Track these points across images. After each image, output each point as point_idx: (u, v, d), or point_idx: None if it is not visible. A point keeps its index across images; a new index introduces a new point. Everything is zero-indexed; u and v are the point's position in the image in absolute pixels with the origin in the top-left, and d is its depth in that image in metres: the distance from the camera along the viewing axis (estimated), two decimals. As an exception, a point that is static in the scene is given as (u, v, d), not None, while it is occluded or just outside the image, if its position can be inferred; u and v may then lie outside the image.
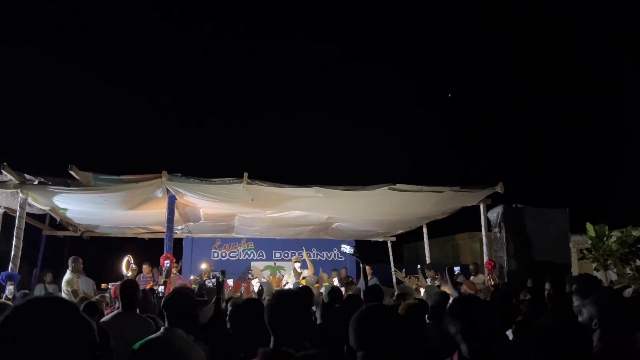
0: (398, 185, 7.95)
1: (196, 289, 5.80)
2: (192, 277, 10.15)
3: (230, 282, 7.11)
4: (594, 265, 8.47)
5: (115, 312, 3.81)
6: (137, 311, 3.80)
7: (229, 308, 2.72)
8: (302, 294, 2.98)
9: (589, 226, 8.72)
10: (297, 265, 9.11)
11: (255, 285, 6.70)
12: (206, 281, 5.61)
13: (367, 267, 10.40)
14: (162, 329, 2.77)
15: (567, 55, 25.60)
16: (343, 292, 6.99)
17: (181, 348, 2.56)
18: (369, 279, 10.12)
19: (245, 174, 7.51)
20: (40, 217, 10.07)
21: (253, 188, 7.73)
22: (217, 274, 5.30)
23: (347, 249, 5.01)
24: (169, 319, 2.78)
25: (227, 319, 2.74)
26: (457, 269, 5.18)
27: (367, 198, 8.31)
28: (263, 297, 7.35)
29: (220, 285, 4.47)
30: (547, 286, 7.87)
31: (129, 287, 3.81)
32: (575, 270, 9.04)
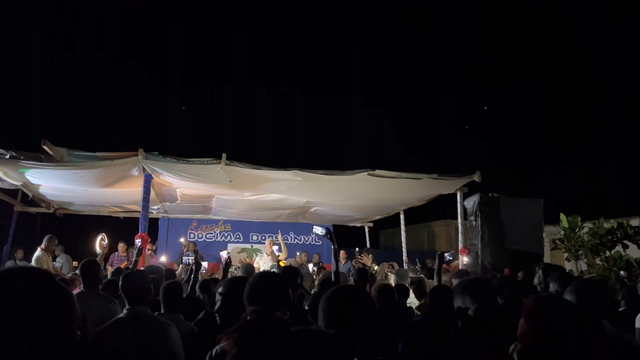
0: (377, 171, 7.94)
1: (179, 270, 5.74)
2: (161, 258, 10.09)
3: (205, 264, 7.04)
4: (566, 255, 8.66)
5: (78, 290, 3.76)
6: (100, 289, 3.76)
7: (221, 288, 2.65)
8: (283, 275, 2.96)
9: (562, 217, 8.90)
10: (275, 248, 9.09)
11: (224, 254, 6.67)
12: (183, 257, 5.52)
13: (342, 252, 10.47)
14: (124, 309, 2.71)
15: (545, 42, 25.88)
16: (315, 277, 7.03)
17: (150, 324, 2.52)
18: (342, 263, 10.19)
19: (224, 155, 7.41)
20: (12, 192, 9.83)
21: (231, 169, 7.64)
22: (189, 258, 5.23)
23: (319, 230, 4.93)
24: (128, 300, 2.73)
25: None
26: (447, 254, 5.20)
27: (346, 183, 8.30)
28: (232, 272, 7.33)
29: (199, 265, 4.42)
30: (520, 274, 8.01)
31: (90, 266, 3.75)
32: (547, 260, 9.23)
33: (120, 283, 2.81)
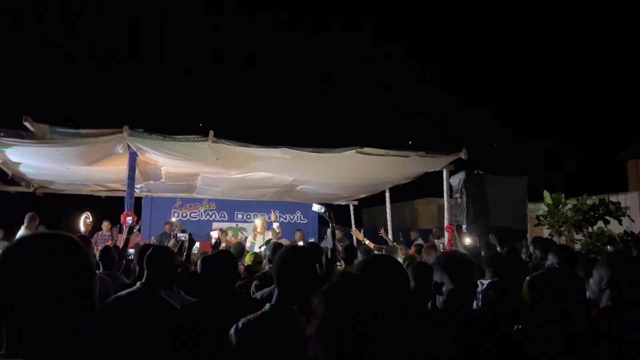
0: (365, 149, 7.91)
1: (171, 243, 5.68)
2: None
3: (197, 244, 6.99)
4: (549, 231, 8.82)
5: None
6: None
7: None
8: (312, 249, 2.93)
9: (546, 194, 9.04)
10: (276, 225, 9.10)
11: (214, 235, 6.60)
12: (178, 234, 5.46)
13: (338, 231, 10.50)
14: (138, 283, 2.68)
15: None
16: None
17: (160, 305, 2.49)
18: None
19: (211, 132, 7.29)
20: (-10, 171, 9.57)
21: (218, 147, 7.52)
22: (183, 235, 5.18)
23: (317, 207, 4.99)
24: (148, 275, 2.70)
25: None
26: (464, 226, 5.32)
27: (334, 161, 8.27)
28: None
29: (192, 242, 4.38)
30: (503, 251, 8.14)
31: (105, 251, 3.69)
32: (529, 236, 9.40)
33: (147, 254, 2.78)
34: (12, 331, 1.03)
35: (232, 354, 1.90)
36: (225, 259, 2.67)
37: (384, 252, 6.92)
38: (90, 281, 1.13)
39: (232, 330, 1.94)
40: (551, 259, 3.70)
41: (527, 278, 2.07)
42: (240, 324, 1.94)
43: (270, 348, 1.82)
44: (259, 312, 1.97)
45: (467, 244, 7.07)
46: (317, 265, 2.06)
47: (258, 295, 3.17)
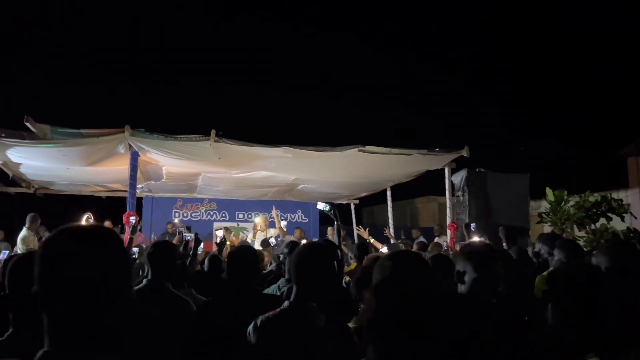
0: (368, 147, 7.90)
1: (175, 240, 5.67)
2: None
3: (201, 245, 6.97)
4: (552, 228, 8.80)
5: None
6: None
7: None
8: (329, 246, 2.92)
9: (548, 191, 9.02)
10: (283, 224, 9.11)
11: (218, 234, 6.57)
12: (184, 234, 5.45)
13: (329, 228, 10.49)
14: (145, 280, 2.66)
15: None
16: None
17: (170, 299, 2.47)
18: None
19: (213, 131, 7.26)
20: (-10, 172, 9.53)
21: (220, 146, 7.50)
22: (189, 235, 5.17)
23: (322, 205, 4.98)
24: (153, 270, 2.68)
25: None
26: (473, 225, 5.31)
27: (336, 159, 8.25)
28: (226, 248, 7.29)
29: (199, 242, 4.36)
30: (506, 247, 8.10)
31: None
32: (534, 234, 9.40)
33: (149, 251, 2.76)
34: (54, 325, 1.00)
35: (250, 351, 1.88)
36: (250, 254, 2.67)
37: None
38: (130, 274, 1.11)
39: (250, 328, 1.92)
40: (557, 255, 3.68)
41: (545, 273, 2.05)
42: (258, 321, 1.92)
43: (289, 345, 1.80)
44: (278, 310, 1.95)
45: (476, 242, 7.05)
46: (335, 262, 2.04)
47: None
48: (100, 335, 1.00)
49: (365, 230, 8.79)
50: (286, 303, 1.98)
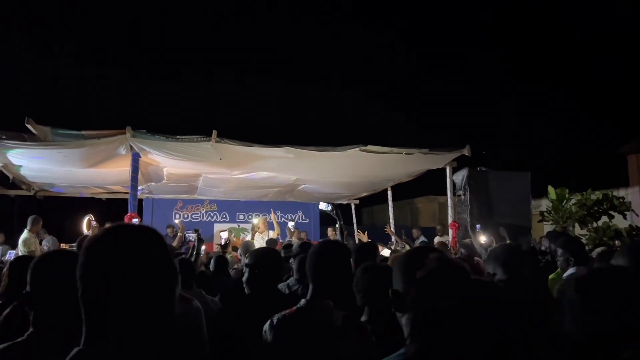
0: (369, 147, 7.88)
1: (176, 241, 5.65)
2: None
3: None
4: (554, 227, 8.81)
5: None
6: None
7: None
8: (345, 245, 2.92)
9: (550, 189, 9.03)
10: (291, 224, 9.08)
11: (223, 236, 6.57)
12: (186, 235, 5.43)
13: (329, 229, 10.46)
14: None
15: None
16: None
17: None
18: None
19: (214, 132, 7.24)
20: (-11, 174, 9.49)
21: (222, 147, 7.48)
22: (191, 235, 5.16)
23: (324, 205, 4.97)
24: None
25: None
26: (478, 226, 5.31)
27: (338, 159, 8.23)
28: (229, 251, 7.28)
29: (201, 240, 4.34)
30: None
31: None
32: (535, 233, 9.39)
33: None
34: (92, 323, 0.98)
35: (267, 349, 1.87)
36: (275, 253, 2.68)
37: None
38: (175, 280, 1.07)
39: (266, 326, 1.91)
40: (561, 254, 3.66)
41: (555, 273, 2.04)
42: (275, 320, 1.91)
43: (306, 344, 1.79)
44: (294, 308, 1.94)
45: (483, 242, 7.06)
46: (351, 260, 2.03)
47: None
48: (138, 336, 0.98)
49: (364, 233, 8.78)
50: (303, 301, 1.97)
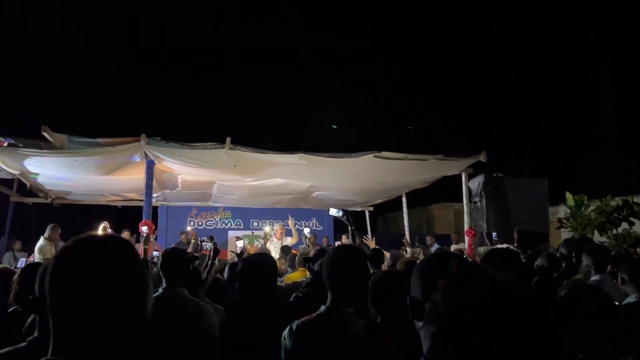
0: (383, 153, 7.82)
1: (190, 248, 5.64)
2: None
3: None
4: (572, 234, 8.64)
5: None
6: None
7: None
8: (362, 251, 2.89)
9: (568, 195, 8.87)
10: (307, 230, 9.05)
11: (239, 244, 6.58)
12: (203, 243, 5.43)
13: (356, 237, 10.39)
14: (160, 288, 2.62)
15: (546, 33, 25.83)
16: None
17: (187, 306, 2.42)
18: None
19: (228, 139, 7.25)
20: (8, 182, 9.62)
21: (235, 154, 7.49)
22: (207, 241, 5.14)
23: (335, 211, 4.93)
24: (167, 278, 2.64)
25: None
26: (494, 234, 5.24)
27: (352, 166, 8.17)
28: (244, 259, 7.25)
29: (217, 251, 4.32)
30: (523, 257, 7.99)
31: None
32: (552, 240, 9.22)
33: (159, 261, 2.72)
34: (59, 333, 0.97)
35: (285, 355, 1.83)
36: (269, 259, 2.65)
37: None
38: (144, 287, 1.06)
39: (285, 332, 1.88)
40: (586, 260, 3.59)
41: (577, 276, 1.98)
42: (294, 326, 1.87)
43: (326, 350, 1.75)
44: (314, 314, 1.90)
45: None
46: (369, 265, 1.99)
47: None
48: (107, 347, 0.97)
49: (372, 239, 8.72)
50: (323, 308, 1.93)
